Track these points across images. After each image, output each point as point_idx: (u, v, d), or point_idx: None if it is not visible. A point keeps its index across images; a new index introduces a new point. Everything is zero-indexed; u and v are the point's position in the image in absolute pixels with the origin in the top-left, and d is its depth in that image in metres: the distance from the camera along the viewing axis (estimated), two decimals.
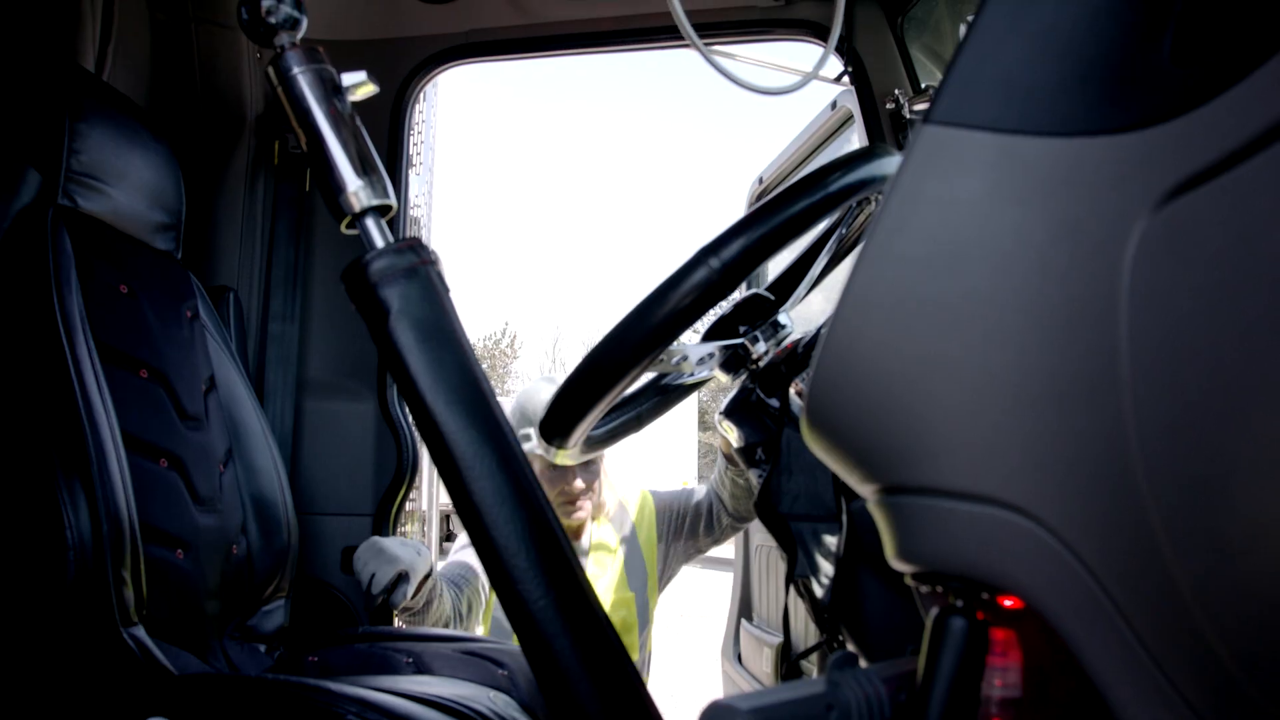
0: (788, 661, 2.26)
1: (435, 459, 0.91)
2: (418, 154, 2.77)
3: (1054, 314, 0.53)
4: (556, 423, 1.21)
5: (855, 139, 2.55)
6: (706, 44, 2.44)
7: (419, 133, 2.82)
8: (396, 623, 2.43)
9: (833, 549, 1.30)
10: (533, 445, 2.63)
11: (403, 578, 2.16)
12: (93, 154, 1.74)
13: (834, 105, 2.67)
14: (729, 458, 2.64)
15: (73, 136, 1.71)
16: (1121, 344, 0.49)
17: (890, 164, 1.26)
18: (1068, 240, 0.52)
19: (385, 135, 2.59)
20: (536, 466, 2.66)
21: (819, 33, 2.42)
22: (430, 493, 11.41)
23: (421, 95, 2.74)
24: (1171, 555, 0.48)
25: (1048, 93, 0.54)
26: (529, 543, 0.88)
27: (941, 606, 0.61)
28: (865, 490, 0.65)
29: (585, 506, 2.77)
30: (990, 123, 0.55)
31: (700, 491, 2.95)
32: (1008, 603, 0.58)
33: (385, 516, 2.45)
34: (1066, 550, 0.54)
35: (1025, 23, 0.56)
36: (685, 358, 1.38)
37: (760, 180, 3.43)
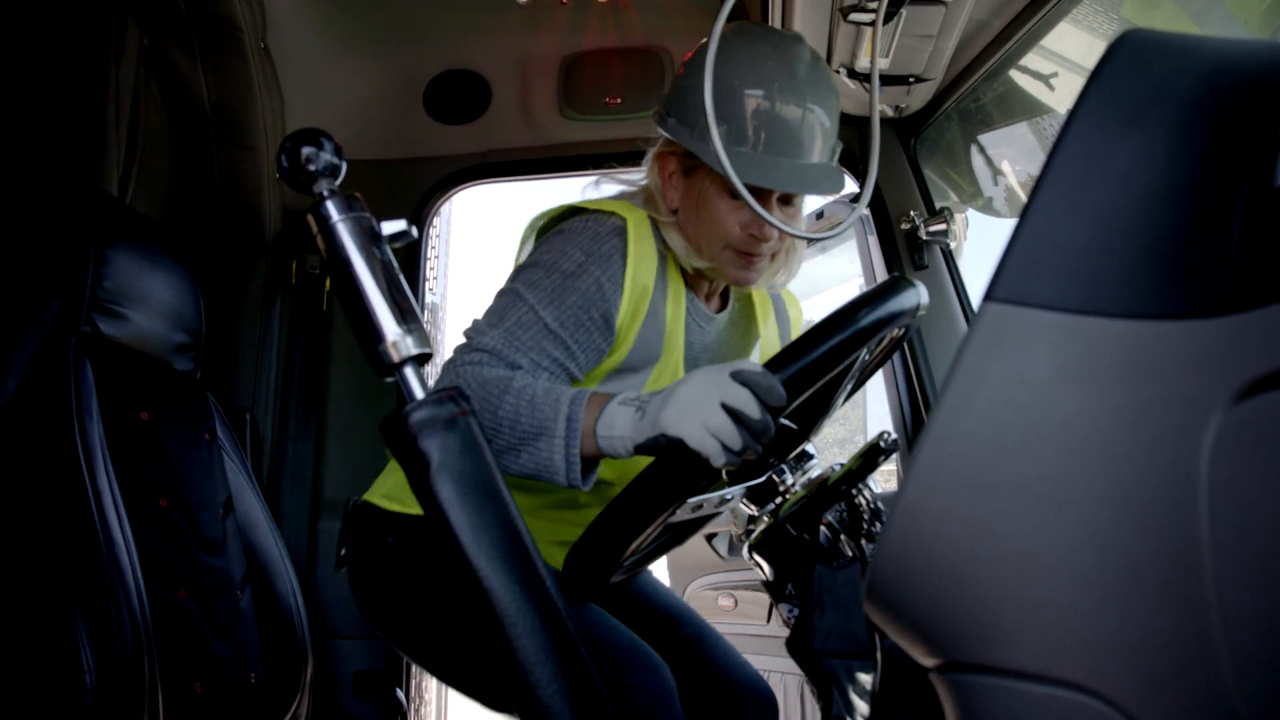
0: None
1: (477, 614, 0.89)
2: (433, 270, 2.79)
3: (1128, 498, 0.52)
4: (581, 570, 1.20)
5: (853, 247, 2.55)
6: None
7: (434, 248, 2.83)
8: None
9: (868, 687, 1.27)
10: None
11: None
12: (116, 280, 1.75)
13: (820, 215, 2.63)
14: None
15: (98, 264, 1.72)
16: (1203, 534, 0.48)
17: (914, 296, 1.27)
18: (1139, 425, 0.52)
19: (402, 252, 2.60)
20: (717, 188, 1.62)
21: None
22: None
23: (438, 212, 2.77)
24: None
25: (1111, 274, 0.54)
26: (572, 704, 0.86)
27: None
28: (927, 663, 0.64)
29: (760, 266, 1.67)
30: (1054, 301, 0.55)
31: None
32: None
33: None
34: None
35: (1084, 202, 0.56)
36: (702, 504, 1.36)
37: None
